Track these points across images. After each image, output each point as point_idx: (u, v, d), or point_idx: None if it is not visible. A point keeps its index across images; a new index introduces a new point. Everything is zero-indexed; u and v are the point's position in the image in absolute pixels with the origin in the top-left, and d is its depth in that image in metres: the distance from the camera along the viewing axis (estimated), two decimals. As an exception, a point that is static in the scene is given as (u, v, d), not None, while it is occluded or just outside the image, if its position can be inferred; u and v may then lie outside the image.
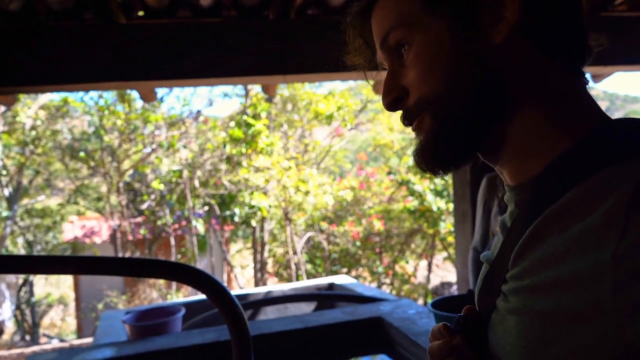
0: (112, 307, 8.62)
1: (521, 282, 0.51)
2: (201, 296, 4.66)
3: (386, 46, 0.63)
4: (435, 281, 10.36)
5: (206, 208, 9.14)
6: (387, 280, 8.93)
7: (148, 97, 3.49)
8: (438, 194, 7.79)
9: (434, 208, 7.60)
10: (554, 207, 0.51)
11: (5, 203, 9.13)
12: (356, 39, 0.70)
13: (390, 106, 0.63)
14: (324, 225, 9.06)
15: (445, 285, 10.01)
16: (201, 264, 10.55)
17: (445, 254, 9.37)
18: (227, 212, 8.99)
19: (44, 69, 2.60)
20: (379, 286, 8.77)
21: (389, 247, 9.02)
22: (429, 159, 0.61)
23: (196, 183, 8.44)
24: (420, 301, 8.64)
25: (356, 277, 8.81)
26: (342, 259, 8.99)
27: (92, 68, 2.61)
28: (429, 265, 9.41)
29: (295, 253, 8.64)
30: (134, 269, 1.64)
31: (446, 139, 0.59)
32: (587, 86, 0.59)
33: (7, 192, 8.84)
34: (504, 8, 0.56)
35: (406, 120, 0.63)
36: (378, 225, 8.57)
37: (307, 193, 7.59)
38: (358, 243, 8.93)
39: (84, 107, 7.96)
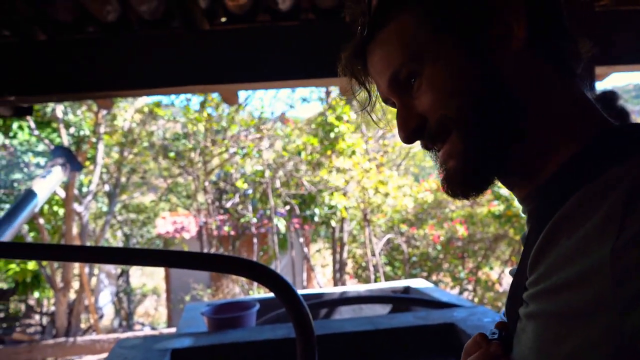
0: (197, 299, 9.06)
1: (537, 287, 0.52)
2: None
3: (396, 82, 0.63)
4: (521, 290, 9.84)
5: (287, 207, 9.35)
6: (470, 287, 8.64)
7: (230, 99, 3.64)
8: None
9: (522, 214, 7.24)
10: (562, 212, 0.52)
11: (106, 199, 9.90)
12: (349, 79, 0.70)
13: (411, 137, 0.64)
14: (404, 227, 8.94)
15: (532, 294, 9.48)
16: (282, 262, 10.81)
17: (532, 261, 8.87)
18: (308, 212, 9.14)
19: (136, 74, 2.79)
20: (461, 292, 8.52)
21: (472, 253, 8.73)
22: (463, 183, 0.62)
23: (277, 183, 8.66)
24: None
25: (436, 282, 8.62)
26: (422, 263, 8.83)
27: (178, 72, 2.77)
28: (515, 272, 8.96)
29: (373, 255, 8.61)
30: (204, 263, 1.73)
31: (479, 158, 0.60)
32: (587, 91, 0.61)
33: (107, 188, 9.59)
34: (511, 26, 0.58)
35: (430, 144, 0.64)
36: (461, 229, 8.32)
37: (386, 195, 7.54)
38: (439, 247, 8.72)
39: (170, 113, 8.47)
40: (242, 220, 9.47)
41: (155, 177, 10.54)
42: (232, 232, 9.85)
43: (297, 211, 9.06)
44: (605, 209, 0.47)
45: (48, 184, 5.28)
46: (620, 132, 0.57)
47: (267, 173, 8.55)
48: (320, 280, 10.11)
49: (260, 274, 1.74)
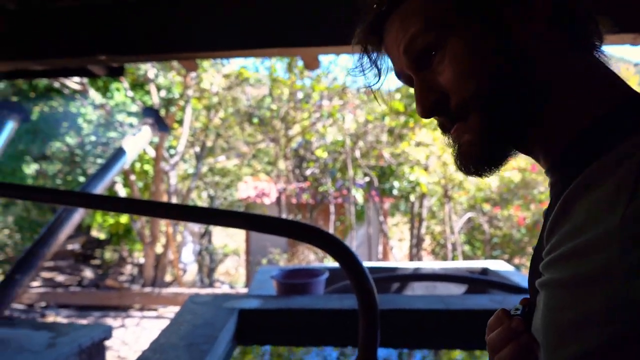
0: (273, 263, 9.31)
1: (549, 257, 0.51)
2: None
3: (412, 51, 0.61)
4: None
5: (367, 179, 9.27)
6: (554, 274, 8.17)
7: (312, 64, 3.58)
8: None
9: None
10: (578, 181, 0.51)
11: (193, 161, 10.34)
12: (362, 56, 0.68)
13: (429, 111, 0.62)
14: (487, 207, 8.57)
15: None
16: (358, 234, 10.81)
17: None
18: (387, 185, 9.02)
19: (219, 36, 2.80)
20: (544, 279, 8.07)
21: (560, 238, 8.21)
22: (478, 159, 0.61)
23: (357, 154, 8.58)
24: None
25: (518, 266, 8.23)
26: (504, 245, 8.45)
27: (260, 35, 2.74)
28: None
29: (452, 233, 8.35)
30: (272, 226, 1.70)
31: (497, 135, 0.60)
32: (610, 64, 0.60)
33: (194, 150, 10.00)
34: (536, 3, 0.58)
35: (448, 123, 0.63)
36: (549, 212, 7.83)
37: (469, 171, 7.22)
38: (523, 230, 8.28)
39: (255, 77, 8.58)
40: (321, 189, 9.53)
41: (239, 142, 10.82)
42: (311, 201, 9.95)
43: (376, 183, 8.95)
44: (617, 177, 0.46)
45: (137, 142, 5.59)
46: None
47: (348, 143, 8.48)
48: (396, 255, 10.01)
49: (327, 242, 1.69)
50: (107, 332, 3.09)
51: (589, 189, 0.49)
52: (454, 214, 8.48)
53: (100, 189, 4.64)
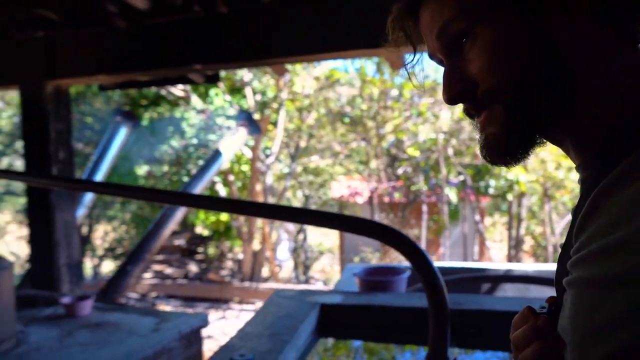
0: (365, 261, 9.37)
1: (578, 254, 0.49)
2: (437, 264, 4.68)
3: (444, 36, 0.61)
4: None
5: (461, 177, 9.03)
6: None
7: (396, 64, 3.60)
8: None
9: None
10: (609, 178, 0.49)
11: (287, 161, 10.71)
12: (397, 32, 0.68)
13: (455, 99, 0.62)
14: (593, 206, 7.98)
15: None
16: (452, 233, 10.55)
17: None
18: (482, 184, 8.72)
19: (305, 40, 2.92)
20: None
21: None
22: (501, 151, 0.60)
23: (450, 152, 8.38)
24: None
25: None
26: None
27: (343, 37, 2.82)
28: None
29: (553, 234, 7.89)
30: (339, 223, 1.77)
31: (521, 128, 0.58)
32: None
33: (288, 151, 10.35)
34: None
35: (473, 112, 0.62)
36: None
37: (569, 169, 6.80)
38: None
39: (346, 77, 8.69)
40: (413, 188, 9.43)
41: (332, 142, 11.02)
42: (403, 200, 9.88)
43: (470, 182, 8.69)
44: None
45: (232, 144, 5.94)
46: None
47: (441, 141, 8.32)
48: (494, 256, 9.64)
49: (397, 240, 1.73)
50: (204, 321, 3.35)
51: (621, 186, 0.48)
52: (555, 214, 8.00)
53: (199, 188, 5.00)
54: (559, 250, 0.62)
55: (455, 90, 0.61)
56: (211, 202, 2.86)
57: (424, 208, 9.34)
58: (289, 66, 8.40)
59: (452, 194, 9.05)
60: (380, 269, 3.13)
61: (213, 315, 7.76)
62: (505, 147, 0.60)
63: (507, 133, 0.59)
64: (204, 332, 3.45)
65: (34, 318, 3.12)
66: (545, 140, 0.62)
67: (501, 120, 0.58)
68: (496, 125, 0.59)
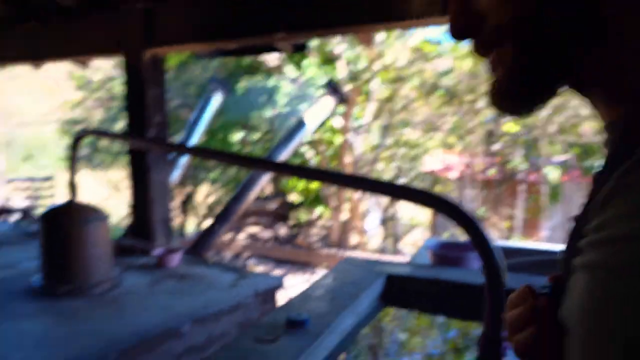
0: (455, 237, 9.16)
1: (600, 234, 0.41)
2: (521, 244, 4.46)
3: None
4: None
5: (564, 156, 8.43)
6: None
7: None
8: None
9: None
10: None
11: (379, 132, 10.63)
12: None
13: (460, 34, 0.55)
14: None
15: None
16: (552, 215, 9.94)
17: None
18: (588, 163, 8.10)
19: (392, 6, 2.86)
20: None
21: None
22: (511, 97, 0.53)
23: (553, 128, 7.84)
24: None
25: None
26: None
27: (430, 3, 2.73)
28: None
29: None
30: (397, 192, 1.76)
31: (533, 71, 0.50)
32: None
33: (380, 122, 10.26)
34: None
35: (481, 50, 0.54)
36: None
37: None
38: None
39: (437, 50, 8.38)
40: (509, 165, 8.97)
41: (426, 115, 10.74)
42: (498, 177, 9.46)
43: (575, 161, 8.09)
44: None
45: (317, 113, 6.01)
46: None
47: (542, 117, 7.80)
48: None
49: (457, 215, 1.69)
50: (279, 282, 3.50)
51: None
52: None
53: (284, 155, 5.15)
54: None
55: (461, 23, 0.54)
56: (287, 169, 2.99)
57: (521, 187, 8.87)
58: (380, 37, 8.26)
59: (553, 173, 8.49)
60: (455, 245, 3.06)
61: (300, 278, 8.05)
62: (511, 95, 0.53)
63: (515, 77, 0.52)
64: (286, 293, 3.61)
65: (129, 265, 3.45)
66: (568, 88, 0.54)
67: (509, 62, 0.51)
68: (504, 67, 0.52)
